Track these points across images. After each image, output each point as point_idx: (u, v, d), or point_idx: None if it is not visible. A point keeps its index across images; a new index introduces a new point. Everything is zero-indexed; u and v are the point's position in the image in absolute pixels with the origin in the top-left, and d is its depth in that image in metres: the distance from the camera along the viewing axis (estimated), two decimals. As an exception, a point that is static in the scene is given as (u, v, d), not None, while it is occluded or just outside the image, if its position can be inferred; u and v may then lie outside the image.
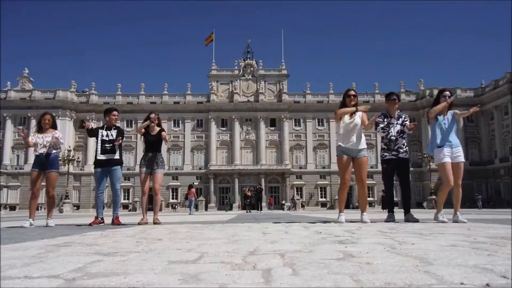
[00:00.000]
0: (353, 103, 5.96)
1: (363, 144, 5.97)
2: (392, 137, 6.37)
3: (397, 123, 6.43)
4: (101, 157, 6.95)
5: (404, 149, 6.42)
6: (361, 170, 5.93)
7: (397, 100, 6.58)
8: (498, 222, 5.96)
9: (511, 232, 3.45)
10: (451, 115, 5.97)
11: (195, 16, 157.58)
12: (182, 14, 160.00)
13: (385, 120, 6.47)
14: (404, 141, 6.44)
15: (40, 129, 6.90)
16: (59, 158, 7.12)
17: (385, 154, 6.43)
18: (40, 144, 6.73)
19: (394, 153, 6.36)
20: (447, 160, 5.75)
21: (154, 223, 6.65)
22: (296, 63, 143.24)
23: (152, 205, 7.21)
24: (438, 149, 5.84)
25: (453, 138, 5.85)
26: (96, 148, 7.06)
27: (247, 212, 26.19)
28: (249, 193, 32.02)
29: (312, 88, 62.07)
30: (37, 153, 6.74)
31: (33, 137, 6.83)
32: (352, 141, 5.84)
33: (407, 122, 6.43)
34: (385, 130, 6.39)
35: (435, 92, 60.75)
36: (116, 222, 6.74)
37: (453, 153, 5.80)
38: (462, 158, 5.84)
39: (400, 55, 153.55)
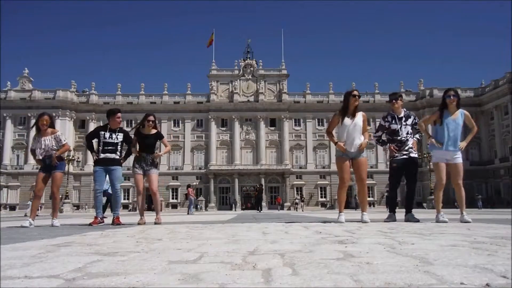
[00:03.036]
0: (356, 103, 5.87)
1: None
2: (403, 139, 6.34)
3: (406, 124, 6.39)
4: (101, 156, 6.93)
5: (414, 149, 6.41)
6: (361, 170, 5.91)
7: (396, 101, 6.50)
8: (498, 222, 5.96)
9: (511, 232, 3.45)
10: (461, 115, 5.86)
11: (195, 16, 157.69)
12: (182, 14, 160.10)
13: (393, 121, 6.43)
14: (412, 140, 6.41)
15: (38, 131, 6.83)
16: (65, 158, 7.15)
17: (396, 155, 6.37)
18: (40, 149, 6.71)
19: (405, 153, 6.34)
20: (441, 160, 5.83)
21: (155, 223, 6.66)
22: (296, 63, 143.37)
23: (152, 206, 7.21)
24: (436, 150, 5.86)
25: (455, 141, 5.78)
26: (98, 148, 6.99)
27: (258, 211, 26.66)
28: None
29: (312, 88, 62.16)
30: (39, 158, 6.74)
31: (34, 144, 6.78)
32: (353, 142, 5.82)
33: (416, 129, 6.44)
34: (393, 130, 6.38)
35: (435, 92, 59.91)
36: (116, 222, 6.74)
37: (451, 155, 5.80)
38: (459, 160, 5.85)
39: (400, 55, 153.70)
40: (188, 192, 24.57)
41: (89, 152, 7.77)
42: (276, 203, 52.64)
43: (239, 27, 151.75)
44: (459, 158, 5.84)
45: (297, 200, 48.60)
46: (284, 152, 58.31)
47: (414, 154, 6.37)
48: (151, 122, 7.05)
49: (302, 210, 39.70)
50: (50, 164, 6.71)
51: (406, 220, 6.10)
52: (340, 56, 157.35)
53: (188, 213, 21.69)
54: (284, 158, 58.18)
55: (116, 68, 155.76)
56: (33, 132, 6.94)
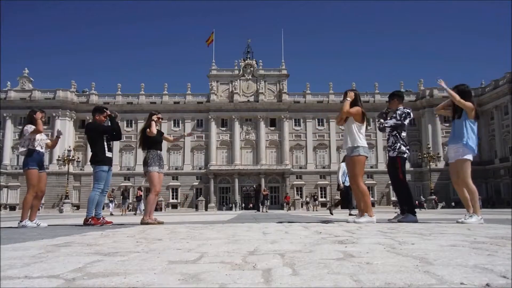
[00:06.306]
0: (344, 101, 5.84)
1: (354, 142, 5.72)
2: (389, 136, 6.31)
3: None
4: (109, 154, 6.85)
5: (393, 147, 6.17)
6: (349, 169, 5.91)
7: (391, 100, 6.41)
8: (498, 222, 5.96)
9: (511, 232, 3.45)
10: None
11: (195, 16, 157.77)
12: (182, 14, 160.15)
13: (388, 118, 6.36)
14: (392, 139, 6.20)
15: (32, 123, 6.70)
16: (58, 158, 7.16)
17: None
18: (39, 140, 6.67)
19: (388, 153, 6.38)
20: (450, 160, 5.68)
21: (148, 223, 6.48)
22: (296, 63, 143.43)
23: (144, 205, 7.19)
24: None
25: (453, 136, 5.63)
26: (103, 145, 6.80)
27: (256, 211, 26.94)
28: (266, 192, 32.78)
29: (312, 88, 62.21)
30: (41, 150, 6.65)
31: (37, 134, 6.62)
32: (345, 141, 5.85)
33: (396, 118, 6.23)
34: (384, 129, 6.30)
35: (435, 92, 59.76)
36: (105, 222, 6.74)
37: (452, 151, 5.67)
38: (453, 158, 5.68)
39: (400, 55, 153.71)
40: (137, 194, 26.81)
41: (89, 152, 7.70)
42: (281, 202, 52.26)
43: (239, 27, 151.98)
44: (456, 155, 5.62)
45: (307, 199, 46.10)
46: (284, 152, 58.30)
47: (391, 153, 6.22)
48: (160, 120, 7.10)
49: (316, 210, 36.74)
50: (42, 162, 6.67)
51: (399, 220, 6.07)
52: (340, 56, 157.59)
53: (135, 213, 23.11)
54: (284, 158, 58.17)
55: (116, 68, 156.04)
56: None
